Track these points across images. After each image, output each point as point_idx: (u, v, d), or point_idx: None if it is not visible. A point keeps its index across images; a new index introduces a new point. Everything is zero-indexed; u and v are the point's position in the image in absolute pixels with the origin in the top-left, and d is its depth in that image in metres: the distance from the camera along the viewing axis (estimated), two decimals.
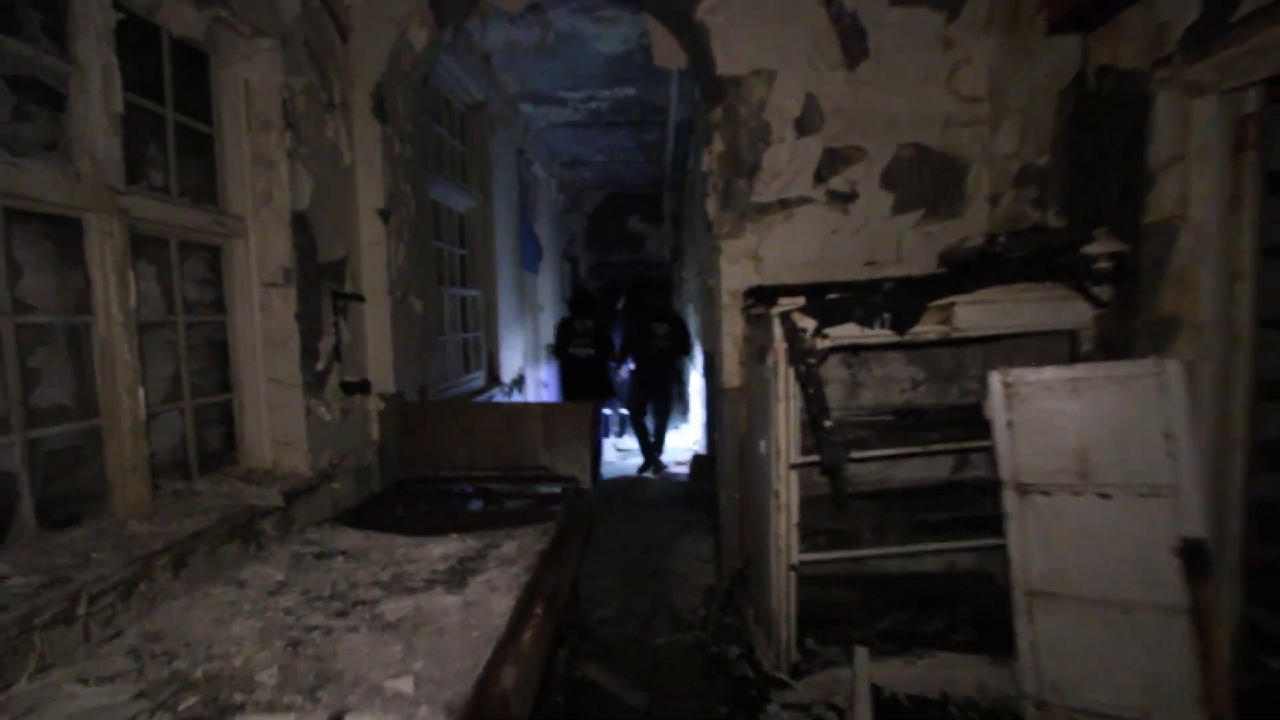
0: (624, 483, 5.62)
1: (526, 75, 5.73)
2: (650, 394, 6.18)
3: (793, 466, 2.25)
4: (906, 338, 2.20)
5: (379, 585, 1.70)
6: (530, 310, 7.53)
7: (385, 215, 3.02)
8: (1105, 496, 2.03)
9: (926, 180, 2.93)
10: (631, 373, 6.44)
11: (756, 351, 2.54)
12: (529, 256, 7.70)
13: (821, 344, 2.13)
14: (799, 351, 2.12)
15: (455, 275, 5.05)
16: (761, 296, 2.51)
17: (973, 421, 2.72)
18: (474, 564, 1.85)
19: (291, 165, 2.44)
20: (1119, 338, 2.16)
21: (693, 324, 7.78)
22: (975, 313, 2.22)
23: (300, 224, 2.50)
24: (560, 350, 5.86)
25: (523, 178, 7.39)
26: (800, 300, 2.18)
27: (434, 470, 3.00)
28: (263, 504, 2.17)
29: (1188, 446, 1.92)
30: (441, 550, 1.98)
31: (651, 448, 6.26)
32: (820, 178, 2.92)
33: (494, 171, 5.61)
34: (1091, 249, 2.14)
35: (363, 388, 2.77)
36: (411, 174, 3.35)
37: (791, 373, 2.20)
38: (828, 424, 2.13)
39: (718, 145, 2.94)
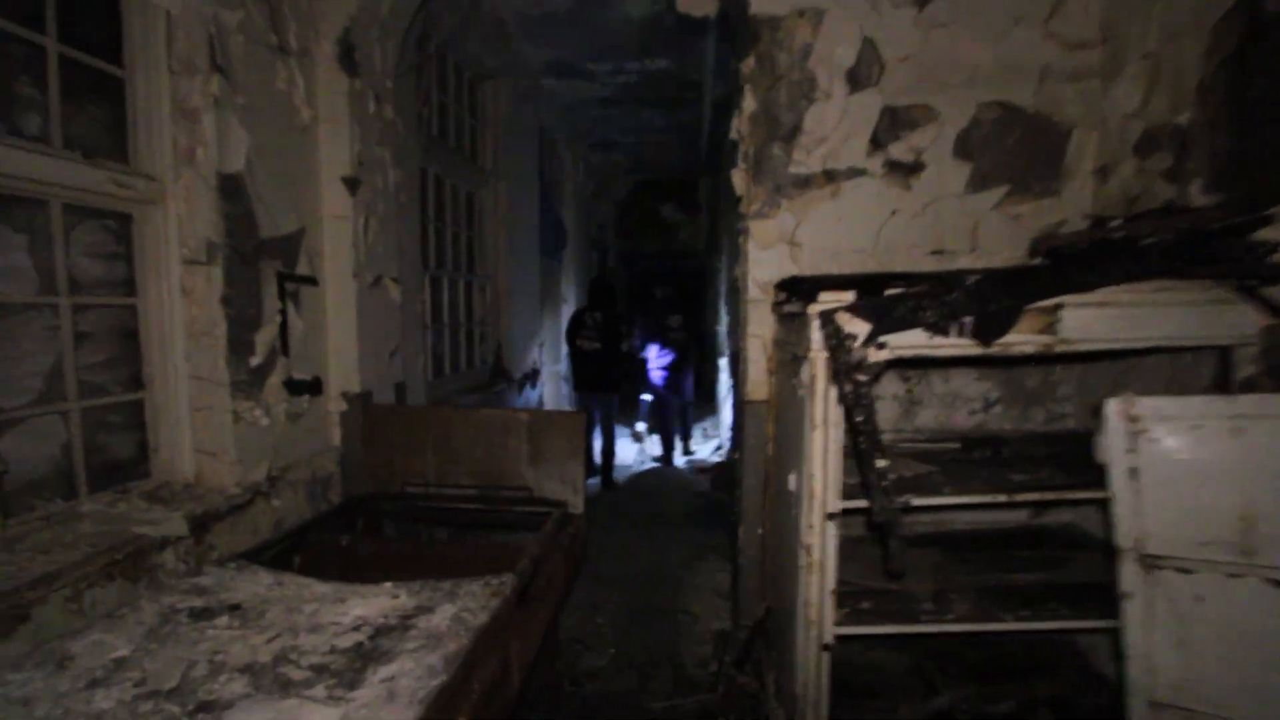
0: (639, 491, 5.12)
1: (546, 44, 5.23)
2: (672, 388, 5.89)
3: (830, 516, 1.71)
4: (994, 350, 1.63)
5: (249, 673, 1.24)
6: (551, 300, 7.09)
7: (352, 184, 2.56)
8: None
9: (1014, 148, 2.32)
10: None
11: (790, 360, 1.99)
12: (550, 242, 7.24)
13: (876, 356, 1.57)
14: (845, 365, 1.57)
15: (460, 259, 4.61)
16: (797, 290, 1.96)
17: (1066, 457, 2.13)
18: (390, 641, 1.37)
19: (220, 117, 1.99)
20: None
21: (723, 320, 7.26)
22: (1090, 319, 1.62)
23: (232, 189, 2.06)
24: (568, 342, 5.44)
25: (545, 158, 6.91)
26: (848, 296, 1.62)
27: (400, 484, 2.55)
28: (153, 534, 1.73)
29: None
30: (360, 612, 1.51)
31: (670, 444, 6.02)
32: (877, 144, 2.34)
33: (509, 148, 5.14)
34: (1267, 234, 1.52)
35: (313, 387, 2.34)
36: (393, 139, 2.89)
37: (833, 392, 1.65)
38: (880, 464, 1.58)
39: (749, 104, 2.39)
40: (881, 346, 1.58)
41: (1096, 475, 1.73)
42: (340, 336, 2.60)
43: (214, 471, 2.08)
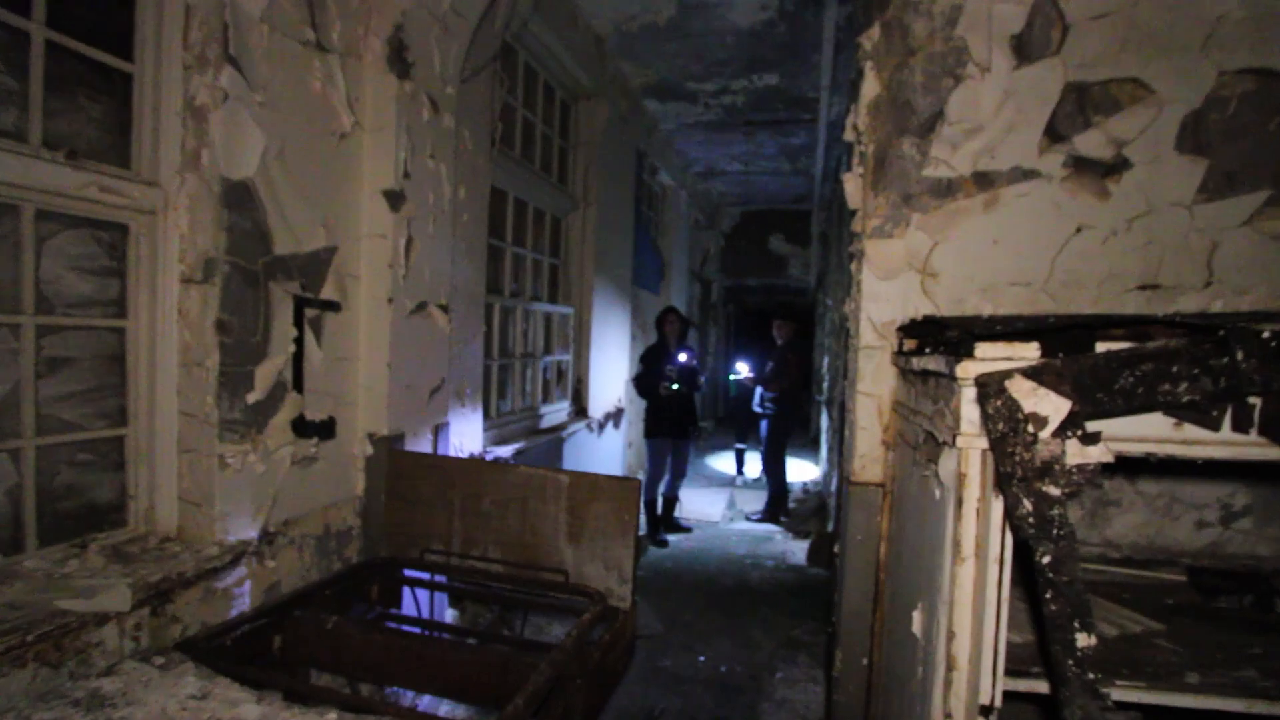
0: (723, 558, 4.47)
1: (646, 61, 4.92)
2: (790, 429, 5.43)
3: (985, 711, 1.05)
4: None
5: None
6: (646, 335, 6.69)
7: (395, 199, 2.26)
8: None
9: (1278, 137, 1.57)
10: (780, 407, 5.55)
11: (923, 439, 1.37)
12: (647, 274, 6.87)
13: (1081, 454, 0.93)
14: (1023, 466, 0.94)
15: (542, 288, 4.30)
16: (935, 335, 1.34)
17: None
18: None
19: (229, 114, 1.73)
20: None
21: (825, 361, 6.56)
22: None
23: (240, 197, 1.78)
24: (642, 385, 4.93)
25: (644, 185, 6.60)
26: (1028, 351, 0.99)
27: (419, 549, 2.15)
28: (81, 609, 1.41)
29: None
30: None
31: (780, 496, 5.34)
32: (1056, 135, 1.68)
33: (604, 174, 4.84)
34: None
35: (324, 430, 2.00)
36: (451, 151, 2.59)
37: (998, 506, 1.02)
38: (1083, 642, 0.93)
39: (871, 87, 1.81)
40: (1092, 439, 0.93)
41: None
42: (372, 370, 2.28)
43: (197, 525, 1.77)
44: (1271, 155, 1.57)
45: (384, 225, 2.26)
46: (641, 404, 5.23)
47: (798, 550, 4.55)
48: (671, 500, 5.01)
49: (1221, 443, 0.95)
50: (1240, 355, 0.90)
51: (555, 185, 4.29)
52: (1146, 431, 0.98)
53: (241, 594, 1.83)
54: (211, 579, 1.74)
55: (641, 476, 5.89)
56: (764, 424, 5.71)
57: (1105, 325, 1.01)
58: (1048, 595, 0.94)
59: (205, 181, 1.73)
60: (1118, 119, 1.64)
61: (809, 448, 8.95)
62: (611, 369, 5.31)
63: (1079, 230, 1.67)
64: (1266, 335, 0.90)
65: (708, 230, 9.61)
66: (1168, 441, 0.98)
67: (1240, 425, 0.94)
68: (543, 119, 4.14)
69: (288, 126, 1.92)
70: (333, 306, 2.06)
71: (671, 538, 4.81)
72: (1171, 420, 0.97)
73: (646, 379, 4.88)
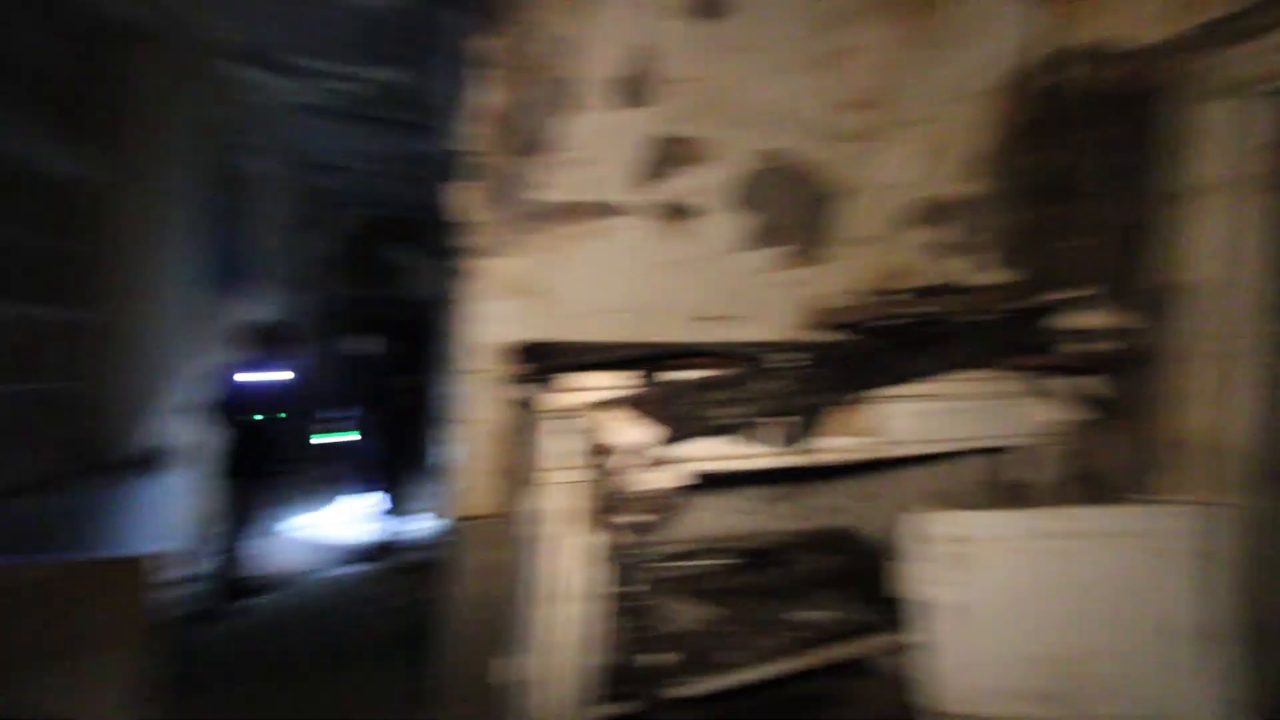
0: (310, 617, 3.81)
1: (234, 13, 3.97)
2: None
3: None
4: (826, 458, 1.13)
5: None
6: (219, 351, 5.36)
7: None
8: None
9: (796, 206, 2.02)
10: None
11: (529, 471, 1.27)
12: (228, 275, 5.56)
13: (672, 478, 0.94)
14: (616, 498, 0.90)
15: (52, 283, 3.01)
16: (539, 362, 1.27)
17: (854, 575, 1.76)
18: None
19: None
20: (1112, 463, 1.34)
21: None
22: (917, 415, 1.23)
23: None
24: (220, 413, 3.91)
25: (230, 169, 5.37)
26: (617, 379, 0.98)
27: None
28: None
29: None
30: None
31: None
32: (649, 176, 1.84)
33: (166, 142, 3.72)
34: (1082, 320, 1.31)
35: None
36: None
37: (590, 540, 0.97)
38: (647, 662, 0.93)
39: (488, 100, 1.71)
40: (678, 462, 0.95)
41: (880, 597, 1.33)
42: None
43: None
44: (794, 220, 2.01)
45: None
46: (205, 439, 4.11)
47: (402, 589, 4.17)
48: (247, 557, 4.04)
49: (769, 454, 1.09)
50: (757, 381, 1.03)
51: (82, 145, 3.08)
52: (713, 450, 1.06)
53: None
54: None
55: (210, 530, 4.62)
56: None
57: (689, 355, 1.07)
58: (625, 618, 0.92)
59: None
60: (693, 173, 1.89)
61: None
62: (153, 395, 4.03)
63: (662, 265, 1.87)
64: (779, 362, 1.05)
65: (316, 231, 8.44)
66: (730, 458, 1.08)
67: (775, 441, 1.08)
68: (75, 55, 2.92)
69: None
70: None
71: (249, 602, 3.88)
72: (730, 438, 1.08)
73: (222, 406, 3.88)
